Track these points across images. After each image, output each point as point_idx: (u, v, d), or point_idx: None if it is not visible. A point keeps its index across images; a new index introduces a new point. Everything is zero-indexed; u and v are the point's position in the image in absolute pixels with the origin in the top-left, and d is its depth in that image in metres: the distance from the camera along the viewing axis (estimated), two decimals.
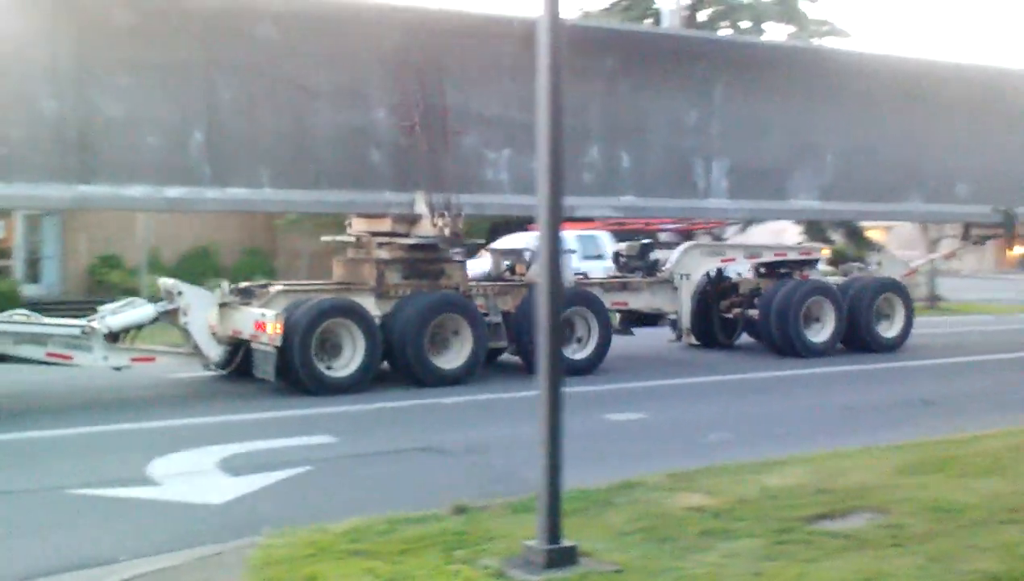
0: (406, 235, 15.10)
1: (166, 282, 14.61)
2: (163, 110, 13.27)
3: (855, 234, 42.52)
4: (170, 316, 14.24)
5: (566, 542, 5.97)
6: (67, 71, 12.64)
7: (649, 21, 40.72)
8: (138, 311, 14.15)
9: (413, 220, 14.89)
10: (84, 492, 8.28)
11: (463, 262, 15.97)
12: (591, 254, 25.72)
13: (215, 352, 14.19)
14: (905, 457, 8.74)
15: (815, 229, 41.80)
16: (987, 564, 5.80)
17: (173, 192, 13.45)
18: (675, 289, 17.97)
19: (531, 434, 6.11)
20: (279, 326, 13.31)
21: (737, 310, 19.01)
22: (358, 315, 14.08)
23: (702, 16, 40.94)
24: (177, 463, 9.34)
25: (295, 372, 13.61)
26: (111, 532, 7.20)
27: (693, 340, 18.83)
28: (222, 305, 14.32)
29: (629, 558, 5.98)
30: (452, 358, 14.66)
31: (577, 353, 15.72)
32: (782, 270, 19.19)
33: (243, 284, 15.28)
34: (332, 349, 14.02)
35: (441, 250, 15.34)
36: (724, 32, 42.57)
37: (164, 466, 9.16)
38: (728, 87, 17.22)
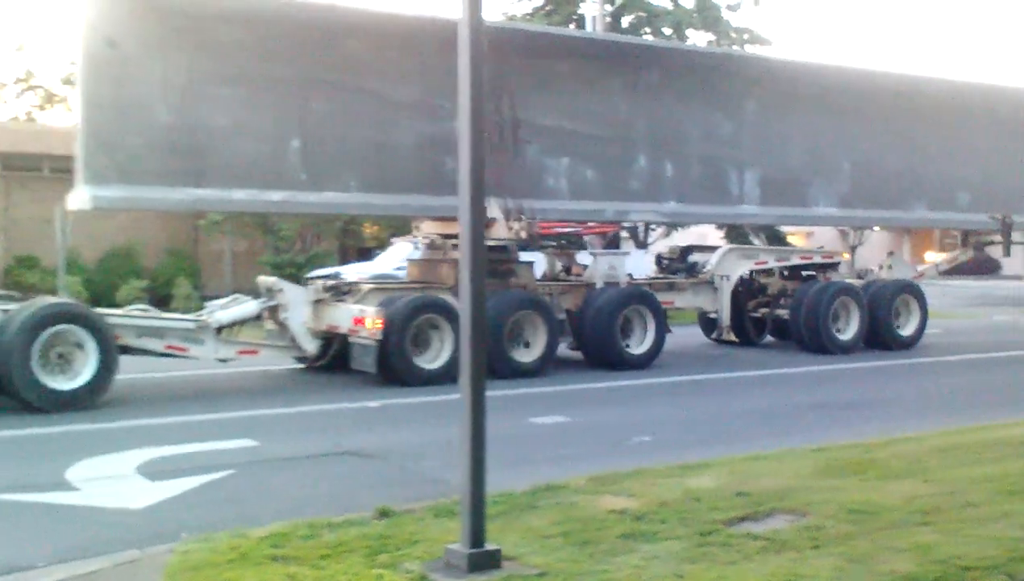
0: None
1: (267, 280, 16.00)
2: (263, 121, 14.48)
3: (776, 238, 43.18)
4: (270, 312, 15.54)
5: (489, 546, 5.97)
6: (179, 84, 13.77)
7: (572, 26, 41.01)
8: (243, 307, 15.37)
9: (486, 224, 15.30)
10: (1, 497, 8.09)
11: (531, 263, 17.48)
12: None
13: (311, 345, 15.42)
14: (825, 459, 8.87)
15: (735, 231, 42.35)
16: (904, 565, 5.91)
17: (275, 196, 14.68)
18: (715, 289, 19.41)
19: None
20: (380, 321, 14.38)
21: (764, 310, 20.38)
22: (448, 311, 14.84)
23: (625, 22, 41.29)
24: (97, 468, 9.16)
25: (392, 364, 14.62)
26: (28, 538, 7.05)
27: (732, 337, 19.99)
28: (316, 301, 15.54)
29: (552, 561, 6.00)
30: (528, 352, 15.93)
31: (636, 348, 17.05)
32: (805, 273, 20.75)
33: (331, 282, 16.73)
34: (422, 343, 15.15)
35: (511, 252, 16.76)
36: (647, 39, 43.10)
37: (84, 471, 9.00)
38: (758, 102, 18.73)
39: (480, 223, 6.22)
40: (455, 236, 15.49)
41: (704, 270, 19.60)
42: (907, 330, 20.39)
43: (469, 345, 6.08)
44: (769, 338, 20.54)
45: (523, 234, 15.84)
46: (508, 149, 15.51)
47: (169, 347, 14.20)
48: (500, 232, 15.83)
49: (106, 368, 12.90)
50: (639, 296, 17.31)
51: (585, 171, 16.89)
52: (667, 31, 42.21)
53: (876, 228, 41.50)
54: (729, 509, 7.14)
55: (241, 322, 15.35)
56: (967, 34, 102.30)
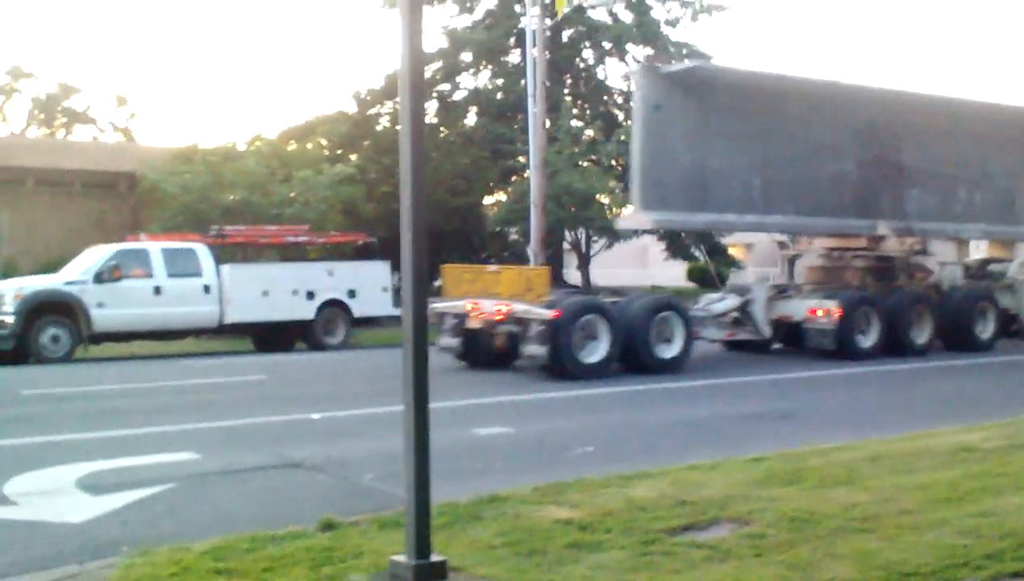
0: (869, 250, 22.58)
1: (740, 282, 21.18)
2: (738, 163, 20.35)
3: (717, 251, 43.56)
4: (742, 305, 20.99)
5: (435, 557, 5.98)
6: (694, 136, 19.59)
7: (512, 40, 41.13)
8: (727, 301, 21.15)
9: (877, 239, 22.46)
10: None
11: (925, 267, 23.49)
12: (181, 271, 23.73)
13: (768, 330, 21.01)
14: (765, 468, 8.97)
15: (676, 244, 42.68)
16: (846, 572, 6.00)
17: (748, 218, 21.11)
18: (1015, 292, 23.86)
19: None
20: (838, 310, 20.16)
21: None
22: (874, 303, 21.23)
23: (564, 36, 41.48)
24: (36, 482, 9.03)
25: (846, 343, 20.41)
26: None
27: None
28: (770, 298, 21.18)
29: (498, 572, 6.02)
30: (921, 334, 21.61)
31: (983, 335, 22.45)
32: None
33: (776, 283, 23.06)
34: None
35: (898, 260, 22.82)
36: (587, 52, 43.32)
37: (22, 484, 8.87)
38: None
39: (421, 239, 6.18)
40: (853, 248, 22.70)
41: (1007, 276, 24.11)
42: None
43: (410, 355, 6.07)
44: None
45: (916, 247, 22.34)
46: (893, 183, 22.36)
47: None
48: (891, 246, 22.30)
49: (688, 344, 18.61)
50: (985, 296, 22.85)
51: (932, 199, 23.53)
52: (606, 44, 42.52)
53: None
54: (672, 518, 7.20)
55: (727, 312, 20.78)
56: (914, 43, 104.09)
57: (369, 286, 26.29)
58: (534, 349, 17.21)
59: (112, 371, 19.60)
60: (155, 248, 23.96)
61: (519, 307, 17.55)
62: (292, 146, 35.59)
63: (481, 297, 18.47)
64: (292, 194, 30.31)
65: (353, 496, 8.65)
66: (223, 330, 24.73)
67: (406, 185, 6.10)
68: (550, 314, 17.09)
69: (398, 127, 39.06)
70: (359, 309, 26.09)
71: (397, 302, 26.12)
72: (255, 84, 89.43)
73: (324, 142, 38.84)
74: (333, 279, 25.87)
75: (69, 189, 33.81)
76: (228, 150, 32.61)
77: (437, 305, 19.18)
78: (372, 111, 41.77)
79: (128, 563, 6.35)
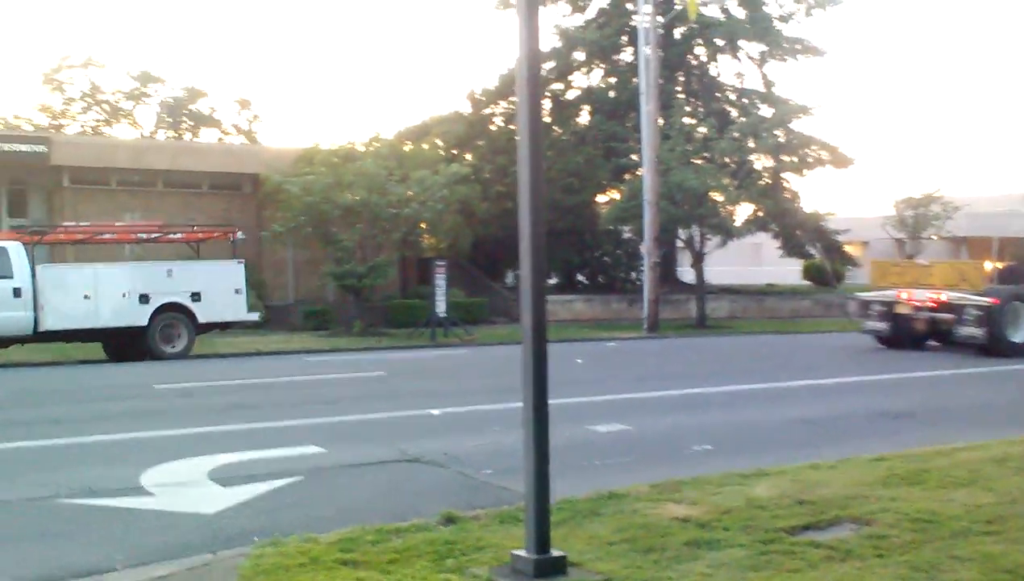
0: None
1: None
2: None
3: (833, 249, 42.81)
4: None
5: (555, 552, 6.07)
6: None
7: (624, 39, 41.02)
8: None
9: None
10: (77, 502, 8.31)
11: None
12: None
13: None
14: (886, 468, 8.86)
15: (791, 242, 42.03)
16: (969, 575, 5.92)
17: None
18: None
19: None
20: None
21: None
22: None
23: (677, 34, 41.17)
24: (170, 473, 9.38)
25: None
26: (104, 541, 7.23)
27: None
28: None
29: (616, 568, 6.08)
30: None
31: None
32: None
33: None
34: None
35: None
36: (699, 49, 42.91)
37: (157, 476, 9.22)
38: None
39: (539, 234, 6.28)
40: None
41: None
42: None
43: (529, 354, 6.16)
44: None
45: None
46: None
47: None
48: None
49: None
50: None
51: None
52: (719, 42, 42.09)
53: (934, 237, 41.25)
54: (791, 517, 7.18)
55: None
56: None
57: (219, 288, 23.80)
58: (972, 331, 20.98)
59: (236, 366, 20.19)
60: None
61: (955, 295, 21.64)
62: (408, 146, 36.03)
63: (912, 287, 22.66)
64: (409, 193, 30.65)
65: (472, 491, 8.78)
66: (42, 338, 22.07)
67: (524, 185, 6.19)
68: (989, 301, 21.06)
69: (512, 126, 39.23)
70: (205, 314, 23.42)
71: (252, 306, 24.91)
72: (373, 85, 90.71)
73: (440, 142, 39.25)
74: (172, 280, 23.22)
75: (196, 190, 34.77)
76: (348, 151, 33.16)
77: (864, 295, 24.00)
78: (486, 111, 42.10)
79: (259, 553, 6.56)
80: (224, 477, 9.13)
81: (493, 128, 41.66)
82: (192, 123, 49.66)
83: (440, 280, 29.02)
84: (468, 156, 38.90)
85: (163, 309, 22.82)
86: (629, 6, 40.51)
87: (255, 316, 24.94)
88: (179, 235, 25.73)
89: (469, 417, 13.20)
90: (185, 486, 8.90)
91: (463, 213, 35.29)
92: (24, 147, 31.95)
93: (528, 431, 6.14)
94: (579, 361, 19.41)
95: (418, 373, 19.55)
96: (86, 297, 22.06)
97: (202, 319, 23.35)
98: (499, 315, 35.59)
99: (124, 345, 22.99)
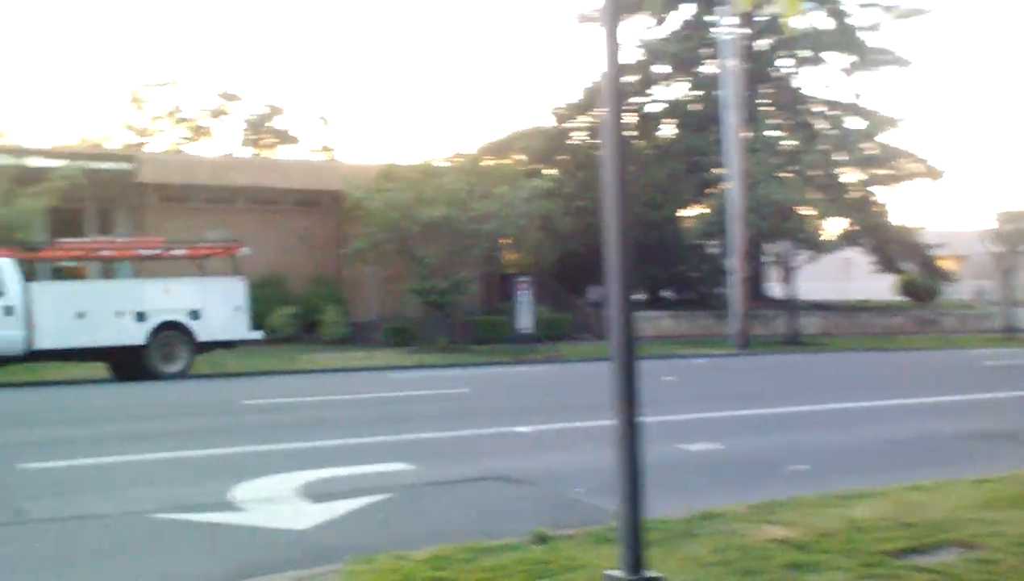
0: None
1: None
2: None
3: (927, 264, 41.99)
4: None
5: (650, 573, 5.93)
6: None
7: (706, 51, 40.73)
8: None
9: None
10: (170, 516, 8.37)
11: None
12: None
13: None
14: (990, 490, 8.58)
15: (884, 257, 41.33)
16: None
17: None
18: None
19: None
20: None
21: None
22: None
23: (761, 45, 40.77)
24: (259, 489, 9.41)
25: None
26: (197, 556, 7.27)
27: None
28: None
29: None
30: None
31: None
32: None
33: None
34: None
35: None
36: (783, 61, 42.41)
37: (246, 492, 9.25)
38: None
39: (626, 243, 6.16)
40: None
41: None
42: None
43: (619, 370, 6.04)
44: None
45: None
46: None
47: None
48: None
49: None
50: None
51: None
52: (805, 53, 41.59)
53: None
54: (894, 540, 6.94)
55: None
56: None
57: (219, 306, 23.37)
58: None
59: (320, 382, 20.33)
60: None
61: None
62: (490, 161, 36.16)
63: None
64: (491, 209, 30.71)
65: (562, 509, 8.67)
66: (35, 357, 21.65)
67: (610, 201, 6.07)
68: None
69: (595, 140, 39.36)
70: (204, 332, 22.98)
71: (254, 324, 24.30)
72: (452, 101, 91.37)
73: (521, 157, 39.33)
74: (170, 297, 22.91)
75: (277, 207, 35.20)
76: (428, 167, 33.38)
77: None
78: (568, 124, 42.11)
79: (350, 569, 6.52)
80: (313, 493, 9.13)
81: (575, 142, 41.65)
82: (272, 140, 50.52)
83: (524, 296, 29.00)
84: (550, 171, 38.91)
85: (161, 327, 22.44)
86: (712, 18, 40.29)
87: (258, 335, 24.43)
88: (182, 251, 25.23)
89: (557, 434, 13.11)
90: (275, 502, 8.91)
91: (544, 228, 35.28)
92: (111, 165, 32.63)
93: (620, 449, 6.02)
94: (669, 378, 19.19)
95: (503, 390, 19.51)
96: (80, 315, 21.65)
97: (201, 338, 22.93)
98: (582, 331, 35.47)
99: (122, 364, 22.59)
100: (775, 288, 40.37)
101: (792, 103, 42.29)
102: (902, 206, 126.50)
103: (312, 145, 51.02)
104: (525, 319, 29.02)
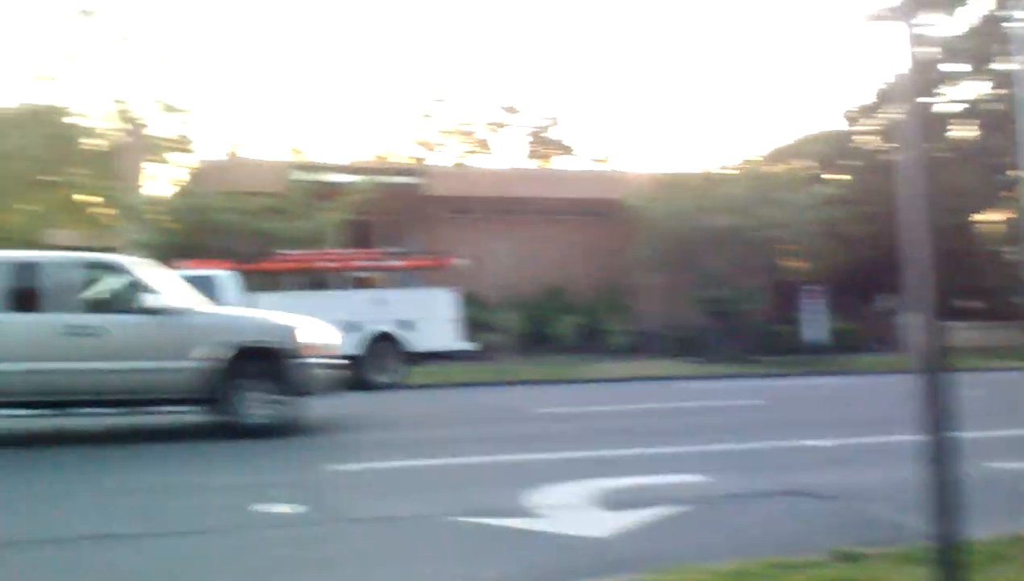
0: None
1: None
2: None
3: None
4: None
5: None
6: None
7: (997, 47, 38.31)
8: None
9: None
10: (465, 520, 8.63)
11: None
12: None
13: None
14: None
15: None
16: None
17: None
18: None
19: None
20: None
21: None
22: None
23: None
24: (554, 495, 9.57)
25: None
26: (499, 560, 7.46)
27: None
28: None
29: None
30: None
31: None
32: None
33: None
34: None
35: None
36: None
37: (542, 498, 9.45)
38: None
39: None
40: None
41: None
42: None
43: (928, 383, 5.82)
44: None
45: None
46: None
47: None
48: None
49: None
50: None
51: None
52: None
53: None
54: None
55: None
56: None
57: (431, 317, 23.54)
58: None
59: (611, 391, 20.55)
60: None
61: None
62: (775, 168, 35.46)
63: None
64: (778, 216, 30.11)
65: (863, 527, 8.39)
66: None
67: (913, 206, 5.88)
68: None
69: (886, 144, 37.60)
70: (416, 343, 23.31)
71: (465, 334, 24.11)
72: (739, 107, 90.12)
73: (810, 163, 38.34)
74: (381, 308, 23.38)
75: (559, 217, 35.72)
76: (710, 174, 33.10)
77: None
78: (857, 127, 40.75)
79: (650, 579, 6.57)
80: (610, 502, 9.21)
81: (862, 146, 40.23)
82: (552, 151, 51.62)
83: (814, 305, 28.27)
84: (840, 176, 37.72)
85: (375, 338, 22.99)
86: (1007, 11, 37.96)
87: (470, 346, 24.70)
88: (397, 262, 25.73)
89: (855, 449, 12.73)
90: (572, 509, 9.05)
91: (832, 235, 34.27)
92: (401, 179, 34.04)
93: (931, 467, 5.80)
94: (975, 392, 18.20)
95: (797, 402, 19.10)
96: None
97: (413, 349, 23.36)
98: (871, 341, 34.21)
99: None
100: None
101: None
102: None
103: (588, 155, 51.73)
104: (815, 329, 28.24)
